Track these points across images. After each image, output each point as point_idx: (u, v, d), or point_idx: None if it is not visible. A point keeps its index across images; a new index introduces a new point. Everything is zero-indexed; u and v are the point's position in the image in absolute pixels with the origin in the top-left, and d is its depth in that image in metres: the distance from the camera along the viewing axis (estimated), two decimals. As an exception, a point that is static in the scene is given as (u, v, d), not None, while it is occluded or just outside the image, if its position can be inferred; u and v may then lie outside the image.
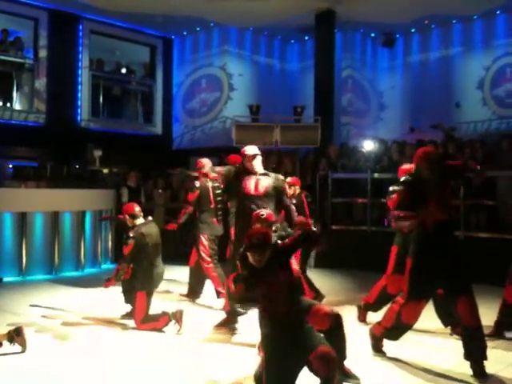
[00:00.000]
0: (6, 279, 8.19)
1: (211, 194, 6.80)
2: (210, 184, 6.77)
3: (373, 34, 14.90)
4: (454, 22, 13.73)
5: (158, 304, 5.87)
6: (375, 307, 5.75)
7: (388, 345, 4.74)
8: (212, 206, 6.81)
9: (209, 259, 6.62)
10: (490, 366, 4.28)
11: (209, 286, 7.01)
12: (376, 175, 9.53)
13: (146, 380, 4.19)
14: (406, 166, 5.77)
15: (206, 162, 6.91)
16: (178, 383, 4.13)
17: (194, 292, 6.98)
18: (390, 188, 5.66)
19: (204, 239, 6.69)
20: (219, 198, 6.87)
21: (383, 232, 9.39)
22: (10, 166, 12.23)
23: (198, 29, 14.75)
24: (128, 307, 5.85)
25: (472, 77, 13.45)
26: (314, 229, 3.99)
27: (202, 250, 6.65)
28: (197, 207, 6.83)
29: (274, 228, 4.64)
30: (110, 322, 5.83)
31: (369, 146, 11.03)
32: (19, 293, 7.35)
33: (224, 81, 14.72)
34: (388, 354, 4.72)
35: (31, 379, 4.20)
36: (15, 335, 4.66)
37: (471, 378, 4.22)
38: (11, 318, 5.90)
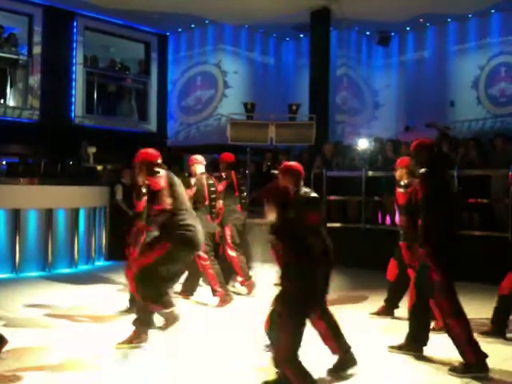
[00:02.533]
0: (-1, 276, 8.15)
1: (206, 191, 6.78)
2: (205, 181, 6.75)
3: (368, 33, 14.92)
4: (449, 20, 13.76)
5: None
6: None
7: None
8: (206, 202, 6.79)
9: (205, 256, 6.60)
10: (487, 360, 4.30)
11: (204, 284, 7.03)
12: (371, 173, 9.54)
13: (141, 378, 4.18)
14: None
15: (200, 160, 6.89)
16: (177, 381, 4.12)
17: (188, 289, 6.96)
18: (402, 182, 5.54)
19: None
20: (213, 196, 6.85)
21: (378, 230, 9.45)
22: (4, 162, 12.19)
23: (192, 26, 14.73)
24: (123, 304, 5.83)
25: (467, 75, 13.50)
26: None
27: None
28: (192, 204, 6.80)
29: None
30: (103, 319, 5.81)
31: (363, 144, 11.04)
32: (12, 290, 7.32)
33: (219, 78, 14.71)
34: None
35: (25, 376, 4.19)
36: None
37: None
38: (4, 314, 5.87)
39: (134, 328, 4.83)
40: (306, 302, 3.68)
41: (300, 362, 3.64)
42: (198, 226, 4.95)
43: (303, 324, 3.70)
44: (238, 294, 7.11)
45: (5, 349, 4.52)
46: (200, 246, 5.03)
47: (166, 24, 14.49)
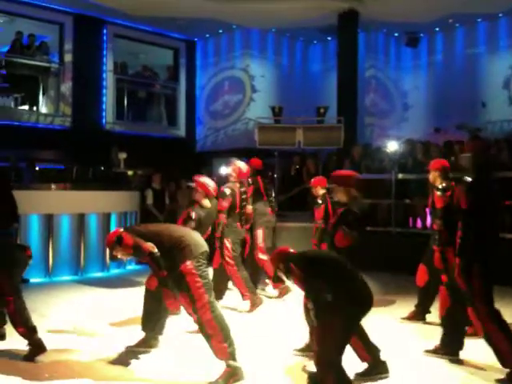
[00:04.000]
0: (32, 280, 8.28)
1: (238, 200, 6.76)
2: (237, 190, 6.71)
3: (396, 34, 14.80)
4: (478, 20, 13.57)
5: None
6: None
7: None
8: (237, 210, 6.80)
9: (232, 262, 6.62)
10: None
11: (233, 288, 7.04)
12: (400, 176, 9.44)
13: (170, 380, 4.22)
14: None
15: (242, 166, 6.81)
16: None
17: (216, 294, 6.95)
18: (440, 186, 5.37)
19: (227, 242, 6.68)
20: (244, 203, 6.86)
21: (408, 233, 9.34)
22: (37, 168, 12.40)
23: (220, 31, 14.82)
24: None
25: (497, 76, 13.27)
26: None
27: (225, 254, 6.65)
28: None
29: None
30: (136, 322, 5.85)
31: (393, 146, 10.94)
32: (46, 294, 7.45)
33: (246, 83, 14.76)
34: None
35: (59, 379, 4.26)
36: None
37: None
38: (38, 318, 5.95)
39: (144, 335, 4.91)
40: (347, 304, 3.65)
41: (344, 371, 3.60)
42: None
43: (352, 327, 3.70)
44: (269, 297, 7.13)
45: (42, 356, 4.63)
46: None
47: (194, 30, 14.61)
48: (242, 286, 6.58)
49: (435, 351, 4.75)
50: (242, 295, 6.60)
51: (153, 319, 4.89)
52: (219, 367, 4.12)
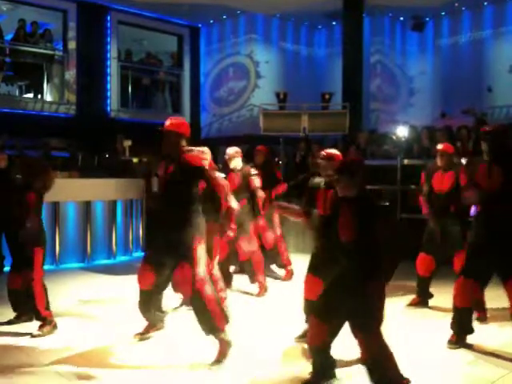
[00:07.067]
0: (40, 268, 8.34)
1: None
2: None
3: (402, 18, 14.68)
4: (485, 4, 13.44)
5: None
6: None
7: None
8: None
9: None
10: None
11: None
12: (406, 162, 9.41)
13: (182, 364, 4.25)
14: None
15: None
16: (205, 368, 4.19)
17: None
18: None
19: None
20: None
21: (413, 219, 9.32)
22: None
23: (224, 17, 14.74)
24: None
25: (504, 60, 13.17)
26: None
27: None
28: None
29: None
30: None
31: (400, 132, 10.91)
32: (53, 281, 7.41)
33: (251, 69, 14.70)
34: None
35: (65, 365, 4.30)
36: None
37: None
38: (46, 305, 6.02)
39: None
40: None
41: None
42: None
43: None
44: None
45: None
46: None
47: (198, 16, 14.54)
48: (261, 269, 6.58)
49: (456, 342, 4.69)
50: (256, 279, 6.57)
51: (152, 311, 4.86)
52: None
